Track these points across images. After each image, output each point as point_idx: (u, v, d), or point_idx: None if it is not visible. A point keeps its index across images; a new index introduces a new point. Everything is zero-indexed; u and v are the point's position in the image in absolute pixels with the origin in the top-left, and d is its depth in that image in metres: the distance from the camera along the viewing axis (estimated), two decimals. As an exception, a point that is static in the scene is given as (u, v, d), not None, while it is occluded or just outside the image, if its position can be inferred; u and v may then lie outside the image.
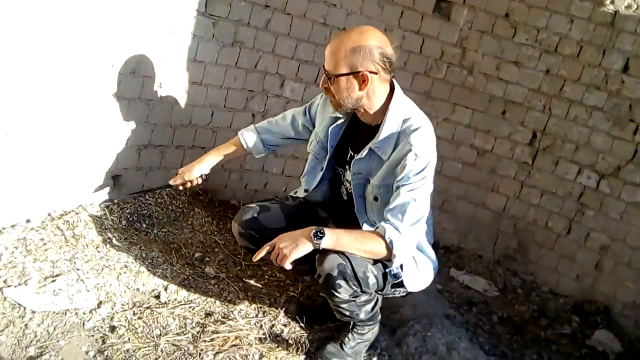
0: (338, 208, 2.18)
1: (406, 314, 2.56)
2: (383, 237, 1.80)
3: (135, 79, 2.67)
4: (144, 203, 2.88)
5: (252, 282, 2.59)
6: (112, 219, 2.66)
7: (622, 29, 3.35)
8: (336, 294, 1.86)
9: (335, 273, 1.81)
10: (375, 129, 1.91)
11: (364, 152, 1.91)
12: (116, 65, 2.55)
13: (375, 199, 1.93)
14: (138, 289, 2.31)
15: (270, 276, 2.66)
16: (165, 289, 2.36)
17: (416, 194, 1.83)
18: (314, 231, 1.76)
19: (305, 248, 1.76)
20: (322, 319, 2.35)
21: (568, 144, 3.51)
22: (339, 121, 2.02)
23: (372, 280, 1.88)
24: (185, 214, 2.95)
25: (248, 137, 2.35)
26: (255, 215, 2.14)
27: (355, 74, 1.83)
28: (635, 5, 3.33)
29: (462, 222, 3.73)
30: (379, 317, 2.22)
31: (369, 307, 2.03)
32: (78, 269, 2.26)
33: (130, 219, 2.73)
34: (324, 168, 2.10)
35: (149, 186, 2.88)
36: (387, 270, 1.89)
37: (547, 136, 3.55)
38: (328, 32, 3.25)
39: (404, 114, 1.90)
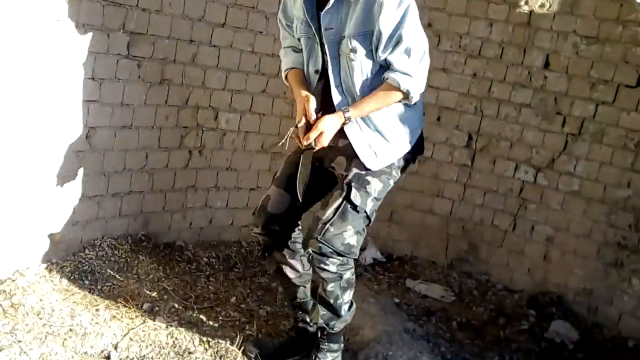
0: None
1: (366, 335, 2.54)
2: (398, 89, 1.86)
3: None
4: (84, 258, 2.75)
5: (206, 325, 2.50)
6: (52, 280, 2.52)
7: (539, 27, 3.47)
8: (325, 267, 2.00)
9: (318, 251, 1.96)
10: None
11: (331, 2, 1.82)
12: (40, 122, 2.44)
13: (353, 50, 1.84)
14: (86, 352, 2.19)
15: (225, 317, 2.58)
16: (116, 348, 2.24)
17: (410, 29, 1.82)
18: (342, 114, 1.87)
19: (337, 127, 1.89)
20: (282, 355, 2.29)
21: (503, 142, 3.59)
22: None
23: (352, 242, 1.99)
24: (129, 263, 2.84)
25: (292, 60, 2.10)
26: (264, 207, 2.14)
27: None
28: (548, 4, 3.46)
29: (413, 231, 3.75)
30: (342, 344, 2.22)
31: (348, 294, 2.12)
32: (20, 341, 2.12)
33: (72, 277, 2.59)
34: (318, 42, 1.94)
35: (89, 239, 2.76)
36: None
37: (482, 137, 3.63)
38: (257, 60, 3.23)
39: None
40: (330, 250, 1.95)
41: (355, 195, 1.94)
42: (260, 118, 3.32)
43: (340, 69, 1.91)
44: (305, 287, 2.31)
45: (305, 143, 1.88)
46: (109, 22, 2.62)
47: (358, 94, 1.91)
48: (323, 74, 1.96)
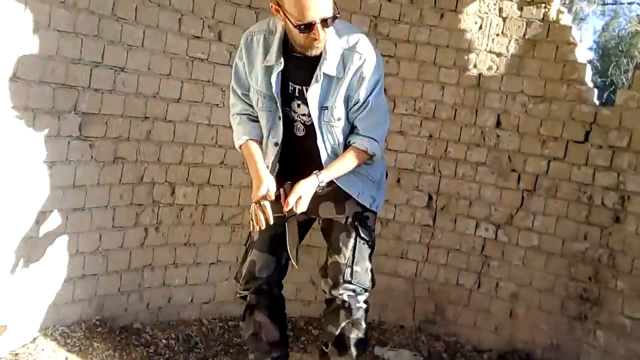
0: (291, 148, 2.09)
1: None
2: (366, 151, 2.01)
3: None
4: (34, 350, 2.56)
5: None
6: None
7: (488, 88, 3.60)
8: (358, 305, 2.18)
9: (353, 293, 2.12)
10: (315, 57, 1.89)
11: (319, 78, 1.90)
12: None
13: (339, 119, 1.98)
14: None
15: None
16: None
17: (377, 98, 2.00)
18: (316, 177, 1.95)
19: (313, 190, 1.96)
20: None
21: (462, 201, 3.63)
22: (280, 66, 1.93)
23: (368, 277, 2.19)
24: (83, 352, 2.66)
25: (248, 131, 2.11)
26: (252, 274, 2.15)
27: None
28: (495, 66, 3.59)
29: (379, 295, 3.67)
30: None
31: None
32: None
33: (20, 378, 2.40)
34: (282, 116, 2.01)
35: (40, 329, 2.58)
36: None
37: (442, 196, 3.66)
38: (214, 132, 3.18)
39: (337, 33, 1.91)
40: (361, 288, 2.15)
41: (364, 232, 2.12)
42: (219, 190, 3.25)
43: (325, 135, 2.02)
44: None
45: (286, 209, 1.92)
46: (59, 105, 2.53)
47: (340, 151, 2.05)
48: (306, 135, 2.04)
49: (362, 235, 2.11)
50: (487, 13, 3.59)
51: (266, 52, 1.93)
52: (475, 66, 3.61)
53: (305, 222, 2.20)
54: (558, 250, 3.42)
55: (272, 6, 1.78)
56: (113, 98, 2.74)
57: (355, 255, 2.10)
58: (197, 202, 3.17)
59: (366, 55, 1.92)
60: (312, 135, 2.02)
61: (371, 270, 2.21)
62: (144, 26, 2.81)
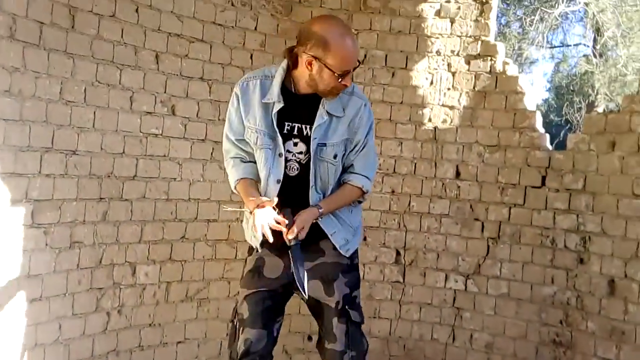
0: (283, 187, 2.08)
1: None
2: (361, 189, 2.08)
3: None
4: None
5: None
6: None
7: (445, 141, 3.66)
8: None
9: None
10: (314, 99, 1.99)
11: (324, 118, 1.99)
12: None
13: (335, 156, 2.04)
14: None
15: None
16: None
17: (371, 139, 2.12)
18: (316, 209, 2.00)
19: (311, 221, 2.00)
20: None
21: (430, 254, 3.63)
22: (280, 104, 2.00)
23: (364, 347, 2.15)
24: None
25: (242, 170, 2.12)
26: (247, 351, 2.06)
27: None
28: (449, 119, 3.66)
29: (354, 357, 3.61)
30: None
31: None
32: None
33: None
34: (282, 153, 2.03)
35: None
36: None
37: (409, 251, 3.65)
38: (174, 206, 3.13)
39: None
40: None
41: (355, 315, 2.10)
42: (182, 265, 3.17)
43: (317, 171, 2.05)
44: None
45: (290, 237, 1.94)
46: (11, 193, 2.44)
47: (329, 191, 2.09)
48: (300, 174, 2.07)
49: (354, 319, 2.11)
50: (436, 69, 3.68)
51: (264, 93, 2.02)
52: (430, 120, 3.68)
53: (286, 293, 2.14)
54: (527, 296, 3.43)
55: (308, 60, 1.91)
56: (65, 182, 2.66)
57: (351, 341, 2.08)
58: (159, 280, 3.07)
59: (364, 100, 2.08)
60: (305, 174, 2.06)
61: (363, 336, 2.17)
62: (94, 107, 2.77)
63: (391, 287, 3.63)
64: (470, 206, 3.60)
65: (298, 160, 2.04)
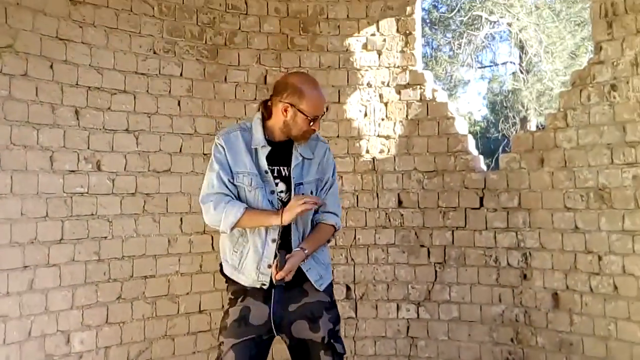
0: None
1: None
2: (334, 226, 2.25)
3: None
4: None
5: None
6: None
7: (384, 170, 3.65)
8: None
9: None
10: (288, 144, 2.18)
11: (299, 159, 2.18)
12: None
13: (311, 193, 2.20)
14: None
15: None
16: None
17: (336, 179, 2.32)
18: (302, 251, 2.12)
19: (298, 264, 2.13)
20: None
21: (379, 285, 3.58)
22: (268, 149, 2.18)
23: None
24: None
25: (240, 204, 2.16)
26: None
27: None
28: (386, 149, 3.66)
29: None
30: None
31: None
32: None
33: None
34: (275, 190, 2.19)
35: None
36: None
37: (359, 285, 3.59)
38: (106, 267, 2.96)
39: None
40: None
41: (339, 347, 2.19)
42: (120, 327, 2.98)
43: None
44: None
45: (278, 278, 2.05)
46: None
47: (308, 227, 2.22)
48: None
49: (339, 351, 2.20)
50: (369, 100, 3.69)
51: (246, 142, 2.19)
52: (367, 151, 3.67)
53: (270, 339, 2.18)
54: (478, 318, 3.44)
55: (284, 107, 2.13)
56: (-15, 253, 2.47)
57: None
58: (96, 345, 2.88)
59: (327, 145, 2.30)
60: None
61: None
62: (11, 171, 2.61)
63: (344, 323, 3.53)
64: (415, 233, 3.58)
65: (280, 198, 2.19)
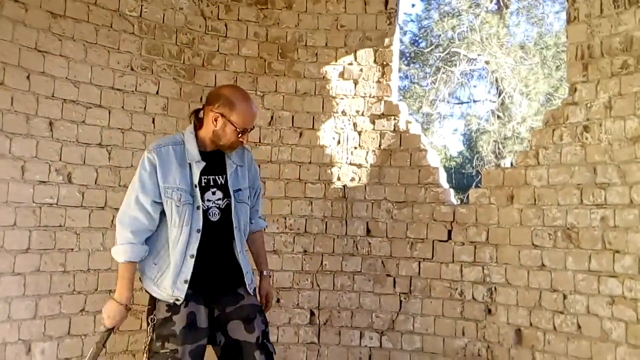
0: (207, 234, 2.30)
1: None
2: (263, 229, 2.60)
3: None
4: None
5: None
6: None
7: (354, 199, 3.83)
8: None
9: None
10: (221, 154, 2.35)
11: (232, 166, 2.37)
12: None
13: (248, 197, 2.43)
14: None
15: None
16: None
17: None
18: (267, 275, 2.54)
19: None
20: None
21: (344, 312, 3.73)
22: (202, 164, 2.29)
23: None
24: None
25: (139, 255, 2.25)
26: None
27: None
28: (357, 177, 3.85)
29: None
30: None
31: None
32: None
33: None
34: (200, 205, 2.29)
35: None
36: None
37: (323, 311, 3.74)
38: (71, 279, 3.07)
39: None
40: None
41: (271, 347, 2.33)
42: (82, 340, 3.09)
43: (238, 212, 2.37)
44: None
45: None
46: None
47: (247, 228, 2.44)
48: (221, 218, 2.32)
49: (271, 350, 2.34)
50: (342, 128, 3.90)
51: (181, 156, 2.29)
52: (339, 179, 3.86)
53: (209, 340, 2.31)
54: (440, 350, 3.59)
55: (215, 116, 2.26)
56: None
57: None
58: (57, 357, 3.00)
59: (250, 152, 2.50)
60: (226, 217, 2.34)
61: None
62: (-19, 179, 2.73)
63: (306, 348, 3.68)
64: (382, 262, 3.75)
65: (218, 205, 2.32)
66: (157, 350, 2.16)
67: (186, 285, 2.20)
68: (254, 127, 2.41)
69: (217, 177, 2.33)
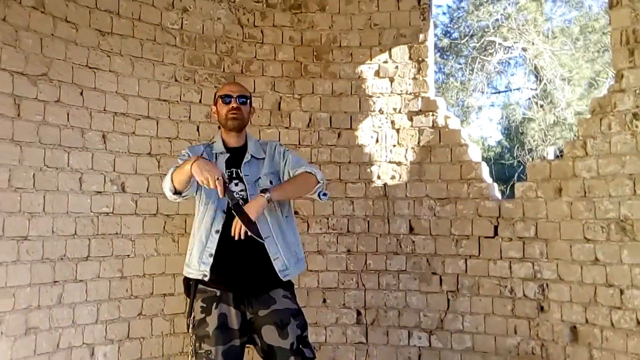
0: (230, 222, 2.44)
1: None
2: (310, 173, 2.56)
3: None
4: None
5: None
6: None
7: (395, 197, 4.07)
8: None
9: None
10: (243, 149, 2.61)
11: (248, 158, 2.59)
12: None
13: (271, 182, 2.55)
14: None
15: None
16: None
17: (293, 154, 2.71)
18: (263, 197, 2.42)
19: (261, 205, 2.43)
20: None
21: (390, 312, 3.96)
22: (227, 155, 2.58)
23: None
24: None
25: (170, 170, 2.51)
26: None
27: (251, 101, 2.69)
28: (397, 175, 4.09)
29: None
30: None
31: None
32: None
33: None
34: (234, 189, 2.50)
35: None
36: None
37: (370, 310, 3.98)
38: (129, 284, 3.39)
39: (250, 139, 2.69)
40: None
41: (308, 352, 2.45)
42: (141, 342, 3.44)
43: None
44: None
45: (236, 234, 2.35)
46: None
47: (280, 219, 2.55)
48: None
49: (308, 356, 2.46)
50: (380, 127, 4.15)
51: (209, 152, 2.58)
52: (379, 177, 4.10)
53: (243, 345, 2.46)
54: (492, 349, 3.74)
55: (214, 109, 2.63)
56: (18, 268, 2.94)
57: None
58: (118, 359, 3.30)
59: (276, 142, 2.77)
60: None
61: None
62: (44, 192, 3.09)
63: (355, 348, 3.93)
64: (427, 260, 3.96)
65: (240, 196, 2.51)
66: (197, 350, 2.40)
67: (211, 259, 2.40)
68: (245, 99, 2.61)
69: (238, 169, 2.56)
